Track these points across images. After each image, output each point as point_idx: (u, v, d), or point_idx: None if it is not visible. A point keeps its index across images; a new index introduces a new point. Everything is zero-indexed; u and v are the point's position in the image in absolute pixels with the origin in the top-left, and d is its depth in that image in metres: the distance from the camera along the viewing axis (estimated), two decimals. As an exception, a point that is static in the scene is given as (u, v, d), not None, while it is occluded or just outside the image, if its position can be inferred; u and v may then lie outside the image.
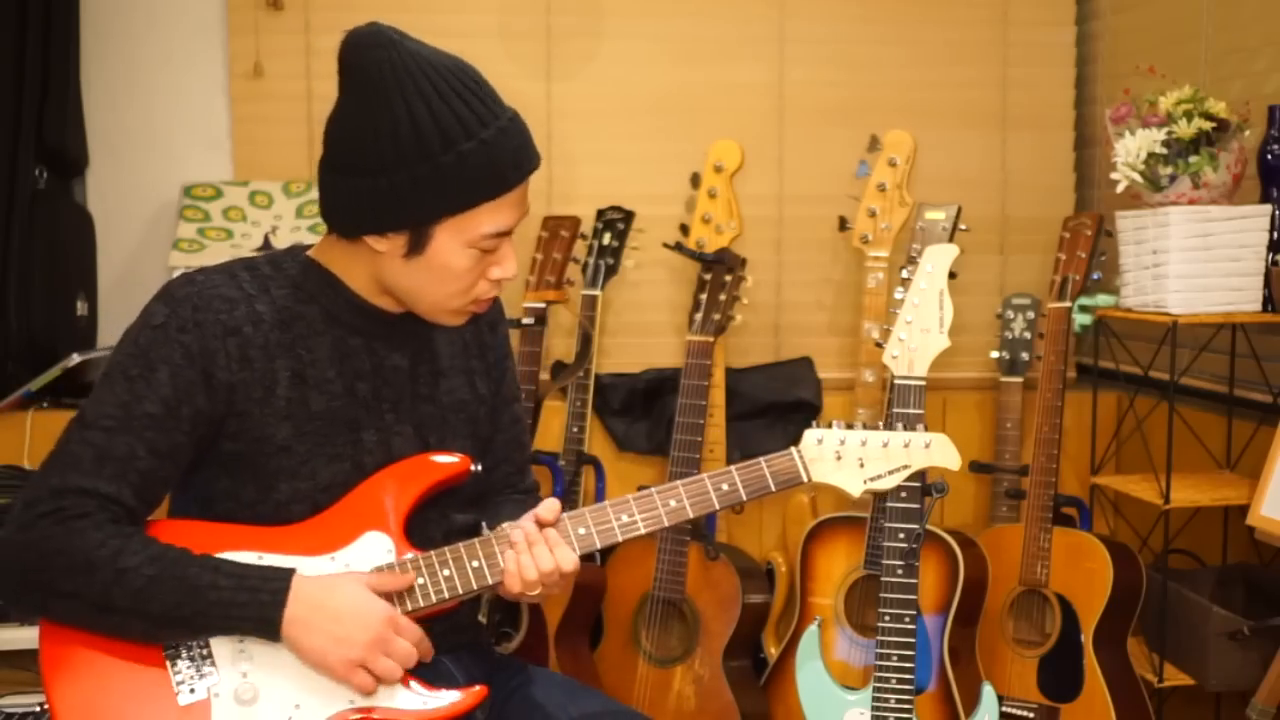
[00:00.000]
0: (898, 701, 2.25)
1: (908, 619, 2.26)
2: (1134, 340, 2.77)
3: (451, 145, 1.45)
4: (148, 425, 1.46)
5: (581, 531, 1.56)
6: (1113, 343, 2.77)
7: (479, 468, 1.64)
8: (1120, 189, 2.55)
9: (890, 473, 1.63)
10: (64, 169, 3.01)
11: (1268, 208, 2.48)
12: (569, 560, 1.53)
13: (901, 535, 2.26)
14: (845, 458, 1.63)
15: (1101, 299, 2.69)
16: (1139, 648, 2.65)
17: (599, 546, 1.57)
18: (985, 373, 3.10)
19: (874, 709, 2.26)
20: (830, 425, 1.66)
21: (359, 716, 1.48)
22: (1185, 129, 2.43)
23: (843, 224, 2.90)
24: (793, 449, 1.64)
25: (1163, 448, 2.50)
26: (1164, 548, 2.57)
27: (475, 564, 1.54)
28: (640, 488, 2.96)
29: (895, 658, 2.25)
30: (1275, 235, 2.49)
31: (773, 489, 1.62)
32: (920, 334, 2.19)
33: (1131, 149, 2.49)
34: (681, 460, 2.71)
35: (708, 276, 2.84)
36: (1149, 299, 2.53)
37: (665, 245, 2.92)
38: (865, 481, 1.63)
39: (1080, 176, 3.31)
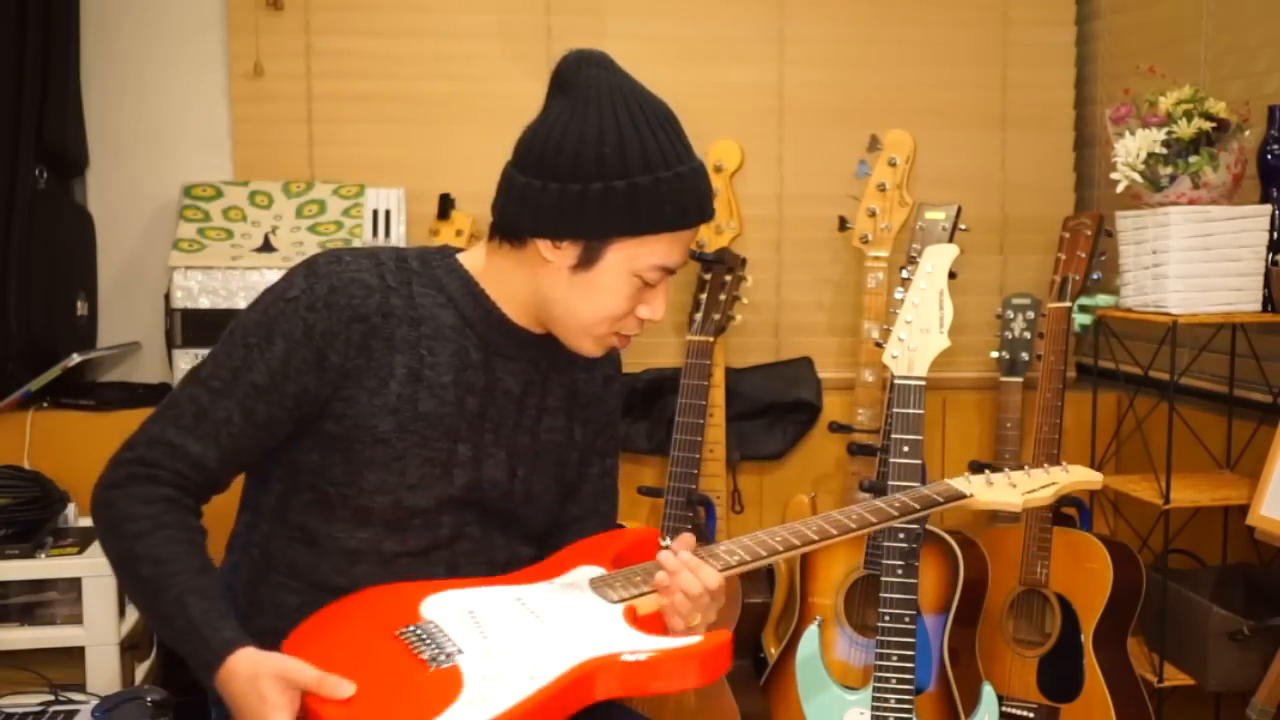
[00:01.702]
0: (898, 701, 2.25)
1: (908, 619, 2.26)
2: (1134, 340, 2.77)
3: (649, 170, 1.50)
4: (250, 394, 1.51)
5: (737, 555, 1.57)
6: (1113, 343, 2.77)
7: (667, 543, 1.66)
8: (1120, 189, 2.55)
9: (1043, 487, 1.70)
10: (64, 169, 3.01)
11: (1268, 208, 2.48)
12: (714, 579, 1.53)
13: (901, 535, 2.26)
14: (996, 484, 1.71)
15: (1101, 299, 2.69)
16: (1139, 648, 2.65)
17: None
18: (985, 373, 3.10)
19: (874, 709, 2.26)
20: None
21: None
22: (1185, 129, 2.43)
23: (843, 224, 2.90)
24: (947, 481, 1.72)
25: (1163, 448, 2.50)
26: (1164, 548, 2.57)
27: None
28: (640, 489, 2.95)
29: (895, 658, 2.25)
30: (1275, 235, 2.49)
31: (940, 503, 1.68)
32: (920, 334, 2.20)
33: (1131, 149, 2.49)
34: (681, 460, 2.71)
35: (708, 276, 2.84)
36: (1149, 299, 2.53)
37: (665, 245, 2.92)
38: (1023, 495, 1.69)
39: (1080, 176, 3.31)
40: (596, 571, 1.60)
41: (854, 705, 2.34)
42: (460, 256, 1.64)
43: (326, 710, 1.38)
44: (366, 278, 1.55)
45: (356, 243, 2.95)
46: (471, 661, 1.43)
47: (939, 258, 2.18)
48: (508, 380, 1.63)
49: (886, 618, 2.26)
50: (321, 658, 1.44)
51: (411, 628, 1.49)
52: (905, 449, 2.22)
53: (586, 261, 1.53)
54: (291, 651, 1.45)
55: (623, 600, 1.52)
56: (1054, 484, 1.71)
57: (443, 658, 1.43)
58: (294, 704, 1.39)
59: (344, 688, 1.39)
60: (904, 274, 2.70)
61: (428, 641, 1.46)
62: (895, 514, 1.65)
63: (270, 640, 1.47)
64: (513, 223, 1.56)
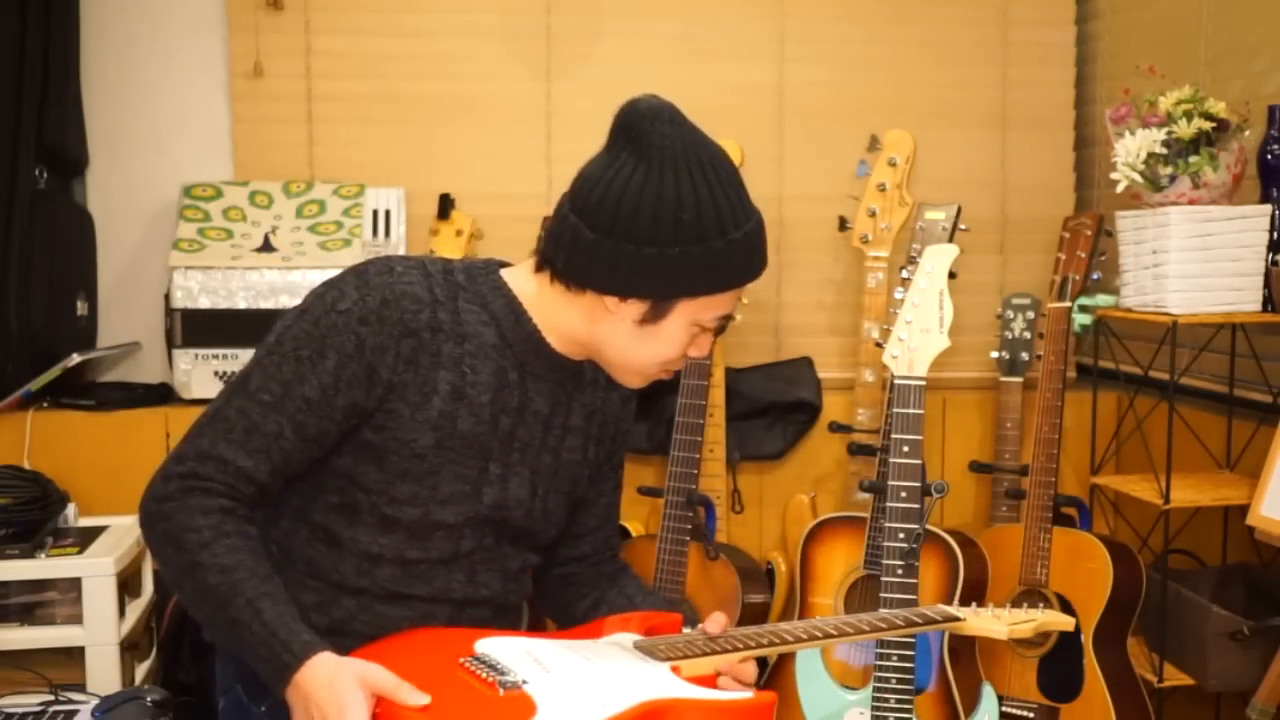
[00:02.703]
0: (898, 701, 2.25)
1: (908, 619, 2.26)
2: (1134, 340, 2.77)
3: (723, 233, 1.50)
4: (301, 408, 1.50)
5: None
6: (1113, 343, 2.77)
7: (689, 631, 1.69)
8: (1120, 189, 2.55)
9: (1024, 621, 1.77)
10: (64, 169, 3.01)
11: (1268, 208, 2.48)
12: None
13: (901, 535, 2.26)
14: (981, 614, 1.77)
15: (1101, 299, 2.69)
16: (1139, 648, 2.65)
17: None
18: (985, 373, 3.10)
19: (874, 709, 2.26)
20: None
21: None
22: (1185, 129, 2.43)
23: (843, 224, 2.90)
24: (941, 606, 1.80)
25: (1163, 448, 2.50)
26: (1164, 548, 2.57)
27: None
28: (640, 489, 2.95)
29: (895, 658, 2.25)
30: (1275, 235, 2.49)
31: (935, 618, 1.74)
32: (920, 334, 2.20)
33: (1131, 149, 2.49)
34: (681, 460, 2.71)
35: (708, 276, 2.84)
36: (1149, 299, 2.53)
37: (665, 245, 2.92)
38: (1008, 625, 1.74)
39: (1080, 176, 3.31)
40: (633, 637, 1.62)
41: (854, 705, 2.34)
42: (505, 274, 1.62)
43: (401, 717, 1.39)
44: (417, 291, 1.54)
45: (356, 243, 2.95)
46: (539, 689, 1.44)
47: (939, 258, 2.18)
48: (537, 401, 1.63)
49: (886, 618, 2.26)
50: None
51: (473, 659, 1.49)
52: (905, 449, 2.22)
53: (653, 318, 1.54)
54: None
55: (669, 659, 1.54)
56: (1032, 620, 1.79)
57: (510, 683, 1.43)
58: (370, 707, 1.39)
59: (419, 696, 1.40)
60: (904, 274, 2.70)
61: (493, 669, 1.46)
62: (894, 624, 1.71)
63: None
64: (579, 276, 1.54)
